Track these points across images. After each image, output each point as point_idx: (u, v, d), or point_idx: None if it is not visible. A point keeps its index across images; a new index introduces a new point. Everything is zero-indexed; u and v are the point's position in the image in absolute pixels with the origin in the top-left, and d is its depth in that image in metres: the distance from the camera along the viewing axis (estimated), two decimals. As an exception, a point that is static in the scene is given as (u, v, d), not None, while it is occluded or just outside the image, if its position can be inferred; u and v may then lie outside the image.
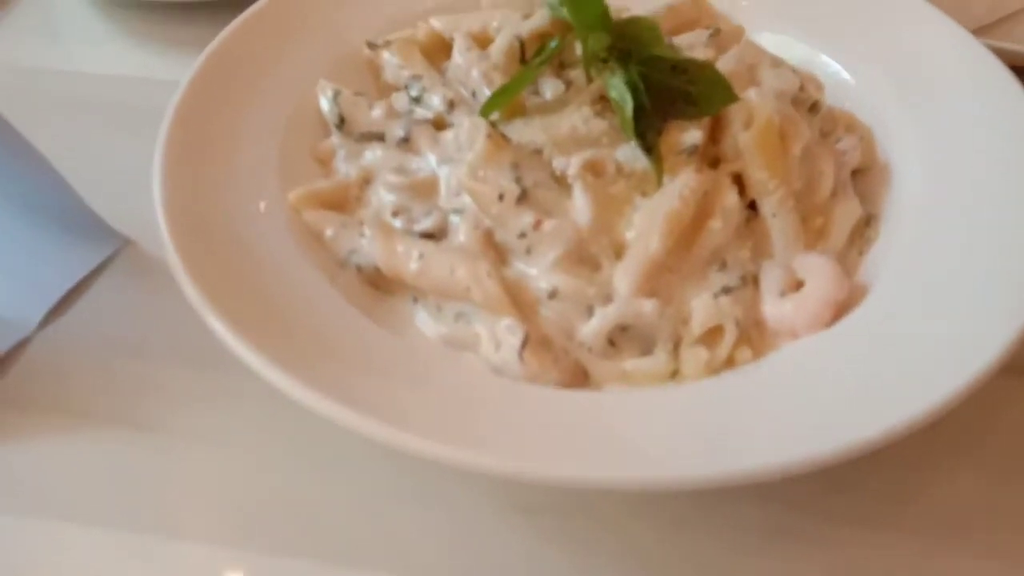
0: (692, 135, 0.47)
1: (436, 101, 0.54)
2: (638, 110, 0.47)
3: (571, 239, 0.46)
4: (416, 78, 0.56)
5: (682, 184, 0.46)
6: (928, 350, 0.41)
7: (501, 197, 0.46)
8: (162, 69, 0.71)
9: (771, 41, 0.61)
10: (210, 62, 0.56)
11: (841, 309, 0.44)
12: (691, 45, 0.56)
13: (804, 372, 0.42)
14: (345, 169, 0.53)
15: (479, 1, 0.62)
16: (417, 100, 0.55)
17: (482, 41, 0.58)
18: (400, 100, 0.56)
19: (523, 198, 0.46)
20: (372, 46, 0.60)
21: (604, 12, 0.51)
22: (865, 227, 0.50)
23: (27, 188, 0.51)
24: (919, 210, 0.50)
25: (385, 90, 0.59)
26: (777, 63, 0.57)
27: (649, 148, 0.47)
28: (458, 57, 0.56)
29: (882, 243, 0.49)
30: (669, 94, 0.49)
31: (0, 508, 0.43)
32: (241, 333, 0.40)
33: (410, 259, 0.46)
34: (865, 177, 0.53)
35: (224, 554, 0.42)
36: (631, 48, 0.49)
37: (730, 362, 0.44)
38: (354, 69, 0.60)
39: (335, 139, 0.55)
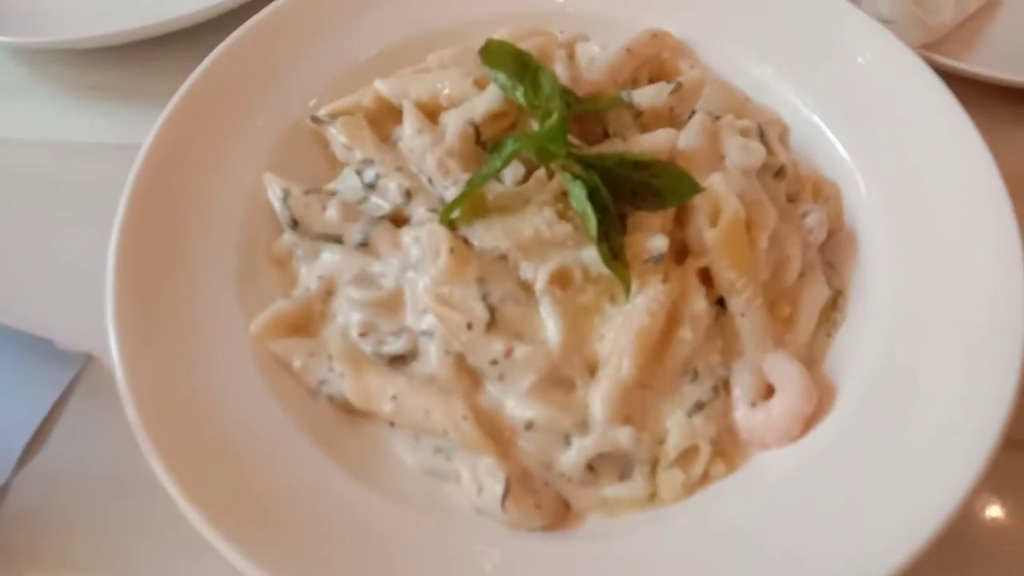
0: (657, 243, 0.46)
1: (392, 190, 0.52)
2: (601, 217, 0.46)
3: (543, 365, 0.45)
4: (368, 162, 0.53)
5: (650, 298, 0.46)
6: (902, 469, 0.43)
7: (470, 326, 0.46)
8: (89, 128, 0.67)
9: (730, 66, 0.60)
10: (153, 155, 0.53)
11: (810, 421, 0.45)
12: (651, 101, 0.54)
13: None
14: (305, 273, 0.52)
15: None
16: (371, 187, 0.53)
17: (432, 110, 0.55)
18: (353, 187, 0.53)
19: (492, 325, 0.46)
20: (316, 120, 0.56)
21: (559, 94, 0.49)
22: (832, 309, 0.51)
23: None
24: (885, 284, 0.50)
25: (334, 162, 0.57)
26: (740, 115, 0.56)
27: (615, 253, 0.46)
28: (410, 140, 0.53)
29: (849, 324, 0.50)
30: (631, 185, 0.48)
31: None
32: (213, 521, 0.41)
33: (383, 398, 0.46)
34: (831, 241, 0.53)
35: None
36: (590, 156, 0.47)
37: (705, 477, 0.45)
38: (302, 139, 0.57)
39: (290, 237, 0.53)
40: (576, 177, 0.46)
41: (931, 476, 0.42)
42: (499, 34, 0.59)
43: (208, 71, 0.56)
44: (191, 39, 0.67)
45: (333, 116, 0.56)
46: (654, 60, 0.60)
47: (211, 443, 0.45)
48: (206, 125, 0.55)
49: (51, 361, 0.52)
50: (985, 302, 0.47)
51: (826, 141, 0.56)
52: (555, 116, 0.46)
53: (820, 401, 0.46)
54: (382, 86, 0.56)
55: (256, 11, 0.60)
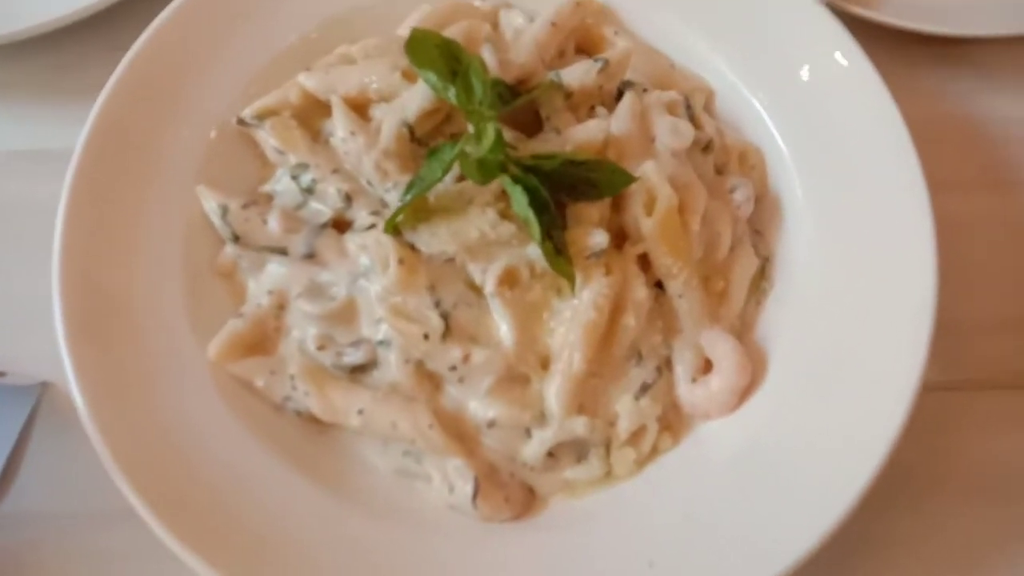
0: (598, 238, 0.48)
1: (332, 194, 0.52)
2: (542, 217, 0.47)
3: (500, 366, 0.48)
4: (303, 167, 0.53)
5: (595, 292, 0.48)
6: (833, 426, 0.47)
7: (427, 337, 0.47)
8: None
9: (653, 30, 0.60)
10: (81, 173, 0.51)
11: (745, 392, 0.49)
12: (580, 81, 0.54)
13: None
14: (253, 287, 0.52)
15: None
16: (310, 191, 0.53)
17: (361, 103, 0.54)
18: (289, 190, 0.53)
19: (447, 333, 0.48)
20: (243, 123, 0.55)
21: (491, 93, 0.49)
22: (760, 278, 0.54)
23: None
24: (808, 248, 0.54)
25: (265, 160, 0.56)
26: (666, 83, 0.57)
27: (558, 249, 0.48)
28: (344, 143, 0.52)
29: (777, 292, 0.54)
30: (569, 180, 0.49)
31: None
32: (189, 544, 0.43)
33: (350, 413, 0.48)
34: (757, 207, 0.56)
35: None
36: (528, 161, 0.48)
37: (654, 451, 0.50)
38: (231, 142, 0.56)
39: (232, 249, 0.53)
40: (516, 181, 0.47)
41: (861, 428, 0.47)
42: (421, 11, 0.59)
43: (124, 76, 0.54)
44: (97, 25, 0.64)
45: (260, 117, 0.55)
46: (579, 28, 0.60)
47: (178, 466, 0.46)
48: (131, 136, 0.53)
49: (8, 393, 0.52)
50: (896, 253, 0.51)
51: (747, 104, 0.58)
52: (490, 132, 0.46)
53: (754, 372, 0.50)
54: (308, 81, 0.55)
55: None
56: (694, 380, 0.50)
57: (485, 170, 0.46)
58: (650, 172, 0.50)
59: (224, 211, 0.52)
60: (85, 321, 0.48)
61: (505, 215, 0.49)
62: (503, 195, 0.49)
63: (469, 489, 0.46)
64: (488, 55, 0.53)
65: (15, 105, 0.65)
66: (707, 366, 0.51)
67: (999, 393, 0.55)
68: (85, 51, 0.65)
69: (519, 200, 0.47)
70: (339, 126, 0.53)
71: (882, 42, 0.63)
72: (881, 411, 0.47)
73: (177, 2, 0.56)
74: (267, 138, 0.54)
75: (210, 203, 0.52)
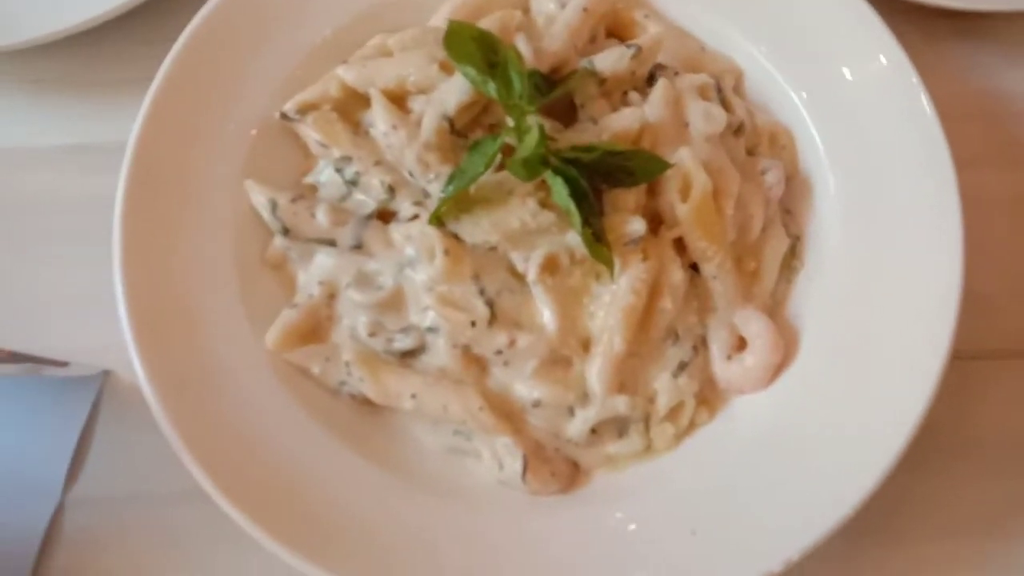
0: (636, 225, 0.50)
1: (375, 186, 0.54)
2: (582, 206, 0.49)
3: (543, 350, 0.50)
4: (346, 160, 0.55)
5: (633, 277, 0.50)
6: (865, 399, 0.50)
7: (474, 324, 0.50)
8: (39, 130, 0.65)
9: (682, 12, 0.61)
10: (134, 172, 0.53)
11: (778, 368, 0.52)
12: (613, 68, 0.56)
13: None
14: (303, 277, 0.54)
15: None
16: (353, 184, 0.55)
17: (399, 96, 0.56)
18: (334, 182, 0.55)
19: (493, 319, 0.50)
20: (286, 117, 0.56)
21: (530, 86, 0.50)
22: (791, 257, 0.56)
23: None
24: (837, 226, 0.55)
25: (307, 152, 0.58)
26: (696, 65, 0.58)
27: (597, 236, 0.50)
28: (386, 137, 0.54)
29: (807, 270, 0.55)
30: (606, 168, 0.51)
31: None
32: (256, 519, 0.46)
33: (403, 398, 0.50)
34: (788, 187, 0.57)
35: None
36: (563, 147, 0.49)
37: (691, 425, 0.52)
38: (274, 136, 0.57)
39: (281, 242, 0.55)
40: (556, 172, 0.49)
41: (891, 400, 0.49)
42: (453, 2, 0.60)
43: (169, 74, 0.55)
44: (130, 21, 0.65)
45: (302, 111, 0.56)
46: (610, 13, 0.61)
47: (242, 448, 0.49)
48: (181, 132, 0.55)
49: (72, 383, 0.55)
50: (923, 230, 0.53)
51: (776, 84, 0.59)
52: (534, 132, 0.48)
53: (786, 349, 0.52)
54: (347, 74, 0.56)
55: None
56: (729, 358, 0.52)
57: (530, 168, 0.48)
58: (685, 158, 0.52)
59: (274, 205, 0.54)
60: (148, 312, 0.50)
61: (545, 204, 0.51)
62: (542, 185, 0.51)
63: (518, 465, 0.49)
64: (523, 45, 0.55)
65: (53, 101, 0.66)
66: (741, 344, 0.53)
67: (1013, 363, 0.57)
68: (119, 47, 0.67)
69: (560, 191, 0.49)
70: (380, 120, 0.55)
71: (907, 17, 0.64)
72: (911, 384, 0.49)
73: (208, 7, 0.57)
74: (310, 132, 0.56)
75: (259, 198, 0.54)
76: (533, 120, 0.50)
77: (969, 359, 0.56)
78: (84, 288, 0.58)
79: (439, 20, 0.59)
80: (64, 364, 0.56)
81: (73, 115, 0.65)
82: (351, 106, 0.57)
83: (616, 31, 0.61)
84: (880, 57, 0.57)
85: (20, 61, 0.66)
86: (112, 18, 0.63)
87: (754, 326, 0.52)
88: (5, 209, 0.62)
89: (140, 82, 0.57)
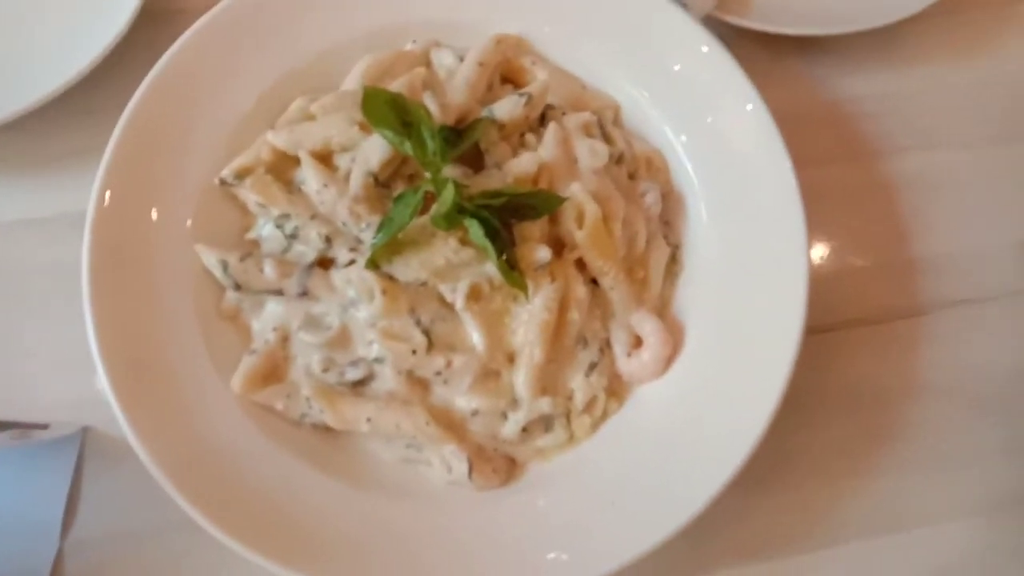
0: (542, 253, 0.59)
1: (314, 238, 0.61)
2: (495, 242, 0.58)
3: (476, 367, 0.59)
4: (285, 216, 0.62)
5: (545, 295, 0.60)
6: (741, 375, 0.60)
7: (414, 352, 0.58)
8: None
9: (564, 55, 0.70)
10: (97, 235, 0.59)
11: (670, 359, 0.62)
12: (510, 115, 0.64)
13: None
14: (257, 326, 0.61)
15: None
16: (293, 237, 0.62)
17: (326, 156, 0.63)
18: (275, 236, 0.62)
19: (430, 346, 0.58)
20: (224, 183, 0.63)
21: (439, 146, 0.59)
22: (672, 263, 0.66)
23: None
24: (706, 233, 0.66)
25: (245, 210, 0.64)
26: (578, 103, 0.68)
27: (511, 265, 0.59)
28: (318, 195, 0.61)
29: (687, 272, 0.66)
30: (514, 206, 0.59)
31: None
32: (242, 541, 0.53)
33: (360, 422, 0.58)
34: (665, 203, 0.67)
35: None
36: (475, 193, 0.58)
37: (604, 415, 0.62)
38: (216, 199, 0.64)
39: (234, 295, 0.62)
40: (472, 216, 0.57)
41: (763, 372, 0.59)
42: (364, 64, 0.67)
43: (114, 154, 0.61)
44: (71, 94, 0.70)
45: (239, 176, 0.63)
46: (502, 62, 0.69)
47: (222, 479, 0.56)
48: (134, 201, 0.61)
49: (56, 444, 0.61)
50: (772, 223, 0.63)
51: (648, 115, 0.69)
52: (448, 191, 0.56)
53: (675, 342, 0.63)
54: (276, 139, 0.63)
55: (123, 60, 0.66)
56: (629, 355, 0.62)
57: (450, 219, 0.56)
58: (577, 192, 0.61)
59: (225, 265, 0.60)
60: (122, 367, 0.57)
61: (464, 242, 0.60)
62: (461, 226, 0.60)
63: (464, 467, 0.58)
64: (430, 102, 0.63)
65: (8, 179, 0.71)
66: (638, 342, 0.63)
67: (860, 329, 0.69)
68: (63, 120, 0.72)
69: (476, 232, 0.57)
70: (311, 179, 0.62)
71: (756, 41, 0.75)
72: (776, 358, 0.59)
73: (149, 77, 0.63)
74: (248, 194, 0.63)
75: (210, 259, 0.61)
76: (447, 172, 0.58)
77: (821, 331, 0.68)
78: (56, 350, 0.64)
79: (352, 83, 0.66)
80: (45, 426, 0.61)
81: (28, 189, 0.70)
82: (283, 167, 0.64)
83: (509, 76, 0.70)
84: (726, 79, 0.66)
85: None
86: (45, 103, 0.68)
87: (647, 326, 0.62)
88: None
89: (86, 152, 0.64)
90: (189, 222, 0.62)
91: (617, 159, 0.66)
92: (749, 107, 0.65)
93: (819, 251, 0.71)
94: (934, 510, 0.65)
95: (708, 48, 0.67)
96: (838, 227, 0.73)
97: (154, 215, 0.62)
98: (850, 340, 0.69)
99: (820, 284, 0.67)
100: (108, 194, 0.60)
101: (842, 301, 0.70)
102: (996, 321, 0.71)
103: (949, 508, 0.65)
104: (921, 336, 0.70)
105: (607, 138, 0.66)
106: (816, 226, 0.65)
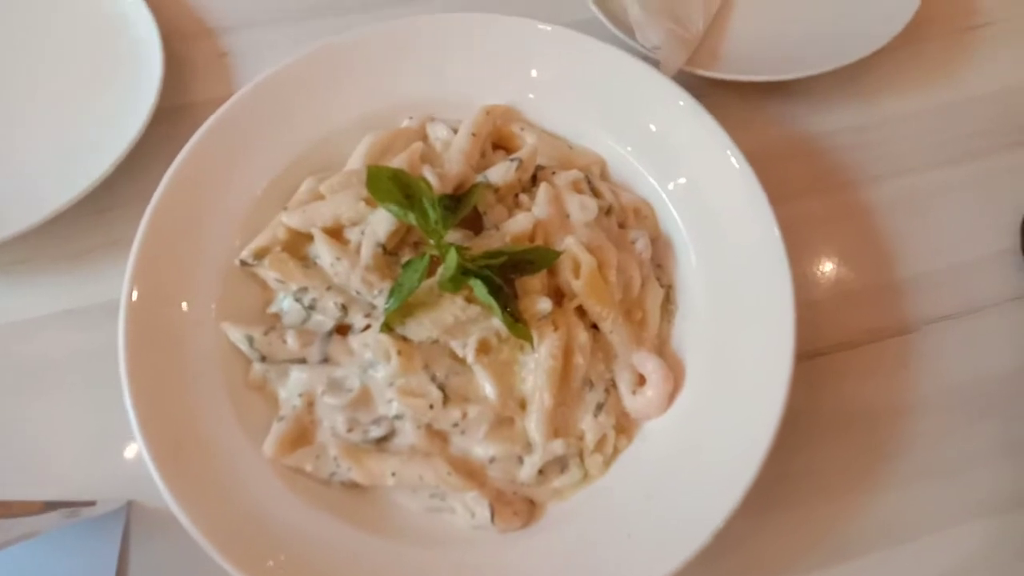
0: (543, 304, 0.64)
1: (331, 308, 0.66)
2: (499, 298, 0.62)
3: (490, 416, 0.63)
4: (303, 290, 0.66)
5: (550, 344, 0.64)
6: (740, 404, 0.64)
7: (431, 406, 0.62)
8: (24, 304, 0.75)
9: (550, 119, 0.76)
10: (130, 322, 0.64)
11: (673, 394, 0.66)
12: (503, 178, 0.70)
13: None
14: (283, 393, 0.66)
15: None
16: (311, 308, 0.66)
17: (336, 230, 0.68)
18: (295, 309, 0.67)
19: (446, 399, 0.63)
20: (244, 264, 0.68)
21: (442, 214, 0.63)
22: (667, 302, 0.70)
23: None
24: (695, 273, 0.70)
25: (265, 286, 0.69)
26: (567, 162, 0.73)
27: (515, 318, 0.63)
28: (332, 267, 0.66)
29: (681, 310, 0.70)
30: (514, 262, 0.64)
31: None
32: None
33: (385, 476, 0.62)
34: (655, 247, 0.72)
35: None
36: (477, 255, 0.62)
37: (615, 452, 0.66)
38: (237, 278, 0.69)
39: (260, 367, 0.66)
40: (476, 277, 0.62)
41: (759, 399, 0.62)
42: (366, 143, 0.72)
43: (141, 245, 0.66)
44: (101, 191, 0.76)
45: (257, 257, 0.68)
46: (493, 130, 0.74)
47: (262, 541, 0.60)
48: (160, 287, 0.66)
49: (104, 520, 0.65)
50: (756, 259, 0.67)
51: (633, 167, 0.74)
52: (451, 258, 0.61)
53: (676, 378, 0.67)
54: (290, 220, 0.68)
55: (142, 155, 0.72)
56: (634, 392, 0.66)
57: (455, 282, 0.61)
58: (571, 245, 0.66)
59: (251, 340, 0.65)
60: (161, 443, 0.60)
61: (470, 300, 0.64)
62: (466, 286, 0.64)
63: (487, 513, 0.62)
64: (429, 174, 0.68)
65: (35, 279, 0.76)
66: (641, 380, 0.67)
67: (851, 351, 0.73)
68: (79, 220, 0.77)
69: (480, 290, 0.62)
70: (324, 254, 0.67)
71: (727, 89, 0.81)
72: (771, 385, 0.63)
73: (168, 173, 0.68)
74: (267, 273, 0.68)
75: (236, 335, 0.65)
76: (449, 237, 0.63)
77: (811, 357, 0.72)
78: (99, 430, 0.68)
79: (356, 162, 0.72)
80: (92, 503, 0.65)
81: (62, 284, 0.76)
82: (297, 244, 0.70)
83: (500, 143, 0.76)
84: (706, 135, 0.71)
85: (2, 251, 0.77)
86: (72, 205, 0.74)
87: (649, 364, 0.66)
88: (12, 375, 0.72)
89: (115, 244, 0.70)
90: (214, 304, 0.67)
91: (607, 211, 0.71)
92: (726, 152, 0.70)
93: (805, 280, 0.75)
94: (938, 517, 0.67)
95: (683, 103, 0.72)
96: (822, 256, 0.77)
97: (183, 306, 0.67)
98: (842, 362, 0.73)
99: (808, 311, 0.72)
100: (136, 289, 0.65)
101: (831, 326, 0.74)
102: (982, 331, 0.74)
103: (953, 514, 0.68)
104: (910, 353, 0.74)
105: (595, 192, 0.71)
106: (800, 256, 0.69)
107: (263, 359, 0.65)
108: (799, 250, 0.68)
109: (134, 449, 0.68)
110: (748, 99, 0.83)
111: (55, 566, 0.64)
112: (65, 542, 0.64)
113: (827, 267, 0.76)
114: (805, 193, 0.79)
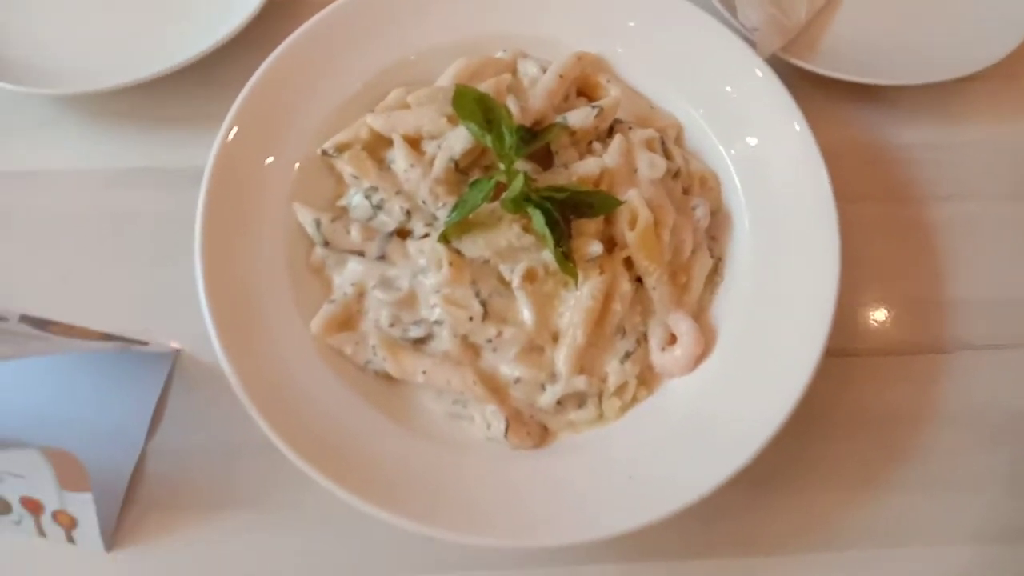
0: (595, 247, 0.67)
1: (396, 210, 0.70)
2: (554, 232, 0.65)
3: (523, 340, 0.66)
4: (374, 189, 0.70)
5: (592, 285, 0.67)
6: (763, 382, 0.66)
7: (471, 318, 0.65)
8: (114, 155, 0.81)
9: (637, 77, 0.78)
10: (211, 189, 0.68)
11: (700, 358, 0.68)
12: (581, 123, 0.72)
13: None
14: (338, 280, 0.70)
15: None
16: (379, 208, 0.70)
17: (416, 141, 0.72)
18: (363, 206, 0.71)
19: (485, 315, 0.66)
20: (325, 154, 0.72)
21: (517, 140, 0.66)
22: (714, 273, 0.72)
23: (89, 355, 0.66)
24: (749, 250, 0.72)
25: (340, 180, 0.73)
26: (646, 120, 0.75)
27: (566, 256, 0.66)
28: (405, 173, 0.70)
29: (726, 284, 0.72)
30: (574, 203, 0.67)
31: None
32: (311, 462, 0.60)
33: (416, 374, 0.66)
34: (713, 219, 0.74)
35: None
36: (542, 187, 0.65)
37: (633, 400, 0.68)
38: (316, 166, 0.74)
39: (322, 251, 0.70)
40: (536, 207, 0.65)
41: (782, 380, 0.64)
42: (458, 65, 0.75)
43: (234, 119, 0.70)
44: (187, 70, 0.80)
45: (339, 149, 0.72)
46: (580, 77, 0.77)
47: (295, 408, 0.63)
48: (245, 161, 0.70)
49: (152, 357, 0.70)
50: (810, 251, 0.69)
51: (708, 138, 0.76)
52: (518, 180, 0.63)
53: (707, 344, 0.69)
54: (374, 122, 0.72)
55: (247, 41, 0.77)
56: (663, 349, 0.69)
57: (516, 204, 0.64)
58: (633, 197, 0.68)
59: (318, 223, 0.69)
60: (222, 302, 0.65)
61: (527, 229, 0.67)
62: (525, 215, 0.67)
63: (502, 427, 0.65)
64: (512, 104, 0.71)
65: (126, 132, 0.82)
66: (672, 339, 0.69)
67: (884, 358, 0.74)
68: (178, 90, 0.82)
69: (538, 220, 0.65)
70: (400, 159, 0.70)
71: (815, 84, 0.81)
72: (795, 371, 0.65)
73: (274, 55, 0.73)
74: (344, 166, 0.71)
75: (306, 217, 0.70)
76: (519, 166, 0.66)
77: (844, 355, 0.73)
78: (161, 284, 0.73)
79: (446, 80, 0.75)
80: (145, 343, 0.70)
81: (151, 142, 0.81)
82: (377, 146, 0.73)
83: (585, 91, 0.78)
84: (788, 121, 0.73)
85: (99, 101, 0.82)
86: (172, 72, 0.79)
87: (683, 326, 0.69)
88: (93, 218, 0.77)
89: (208, 118, 0.73)
90: (290, 185, 0.71)
91: (674, 174, 0.73)
92: (796, 128, 0.72)
93: (851, 279, 0.75)
94: (933, 532, 0.69)
95: (770, 85, 0.74)
96: (871, 261, 0.78)
97: (261, 176, 0.71)
98: (872, 366, 0.74)
99: (848, 310, 0.73)
100: (224, 154, 0.69)
101: (867, 330, 0.76)
102: (1014, 367, 0.75)
103: (948, 532, 0.69)
104: (941, 372, 0.75)
105: (667, 154, 0.73)
106: (851, 256, 0.70)
107: (326, 244, 0.69)
108: (851, 250, 0.69)
109: (190, 304, 0.72)
110: (833, 96, 0.83)
111: (103, 383, 0.69)
112: (113, 368, 0.69)
113: (875, 273, 0.77)
114: (869, 198, 0.80)
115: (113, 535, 0.66)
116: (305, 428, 0.63)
